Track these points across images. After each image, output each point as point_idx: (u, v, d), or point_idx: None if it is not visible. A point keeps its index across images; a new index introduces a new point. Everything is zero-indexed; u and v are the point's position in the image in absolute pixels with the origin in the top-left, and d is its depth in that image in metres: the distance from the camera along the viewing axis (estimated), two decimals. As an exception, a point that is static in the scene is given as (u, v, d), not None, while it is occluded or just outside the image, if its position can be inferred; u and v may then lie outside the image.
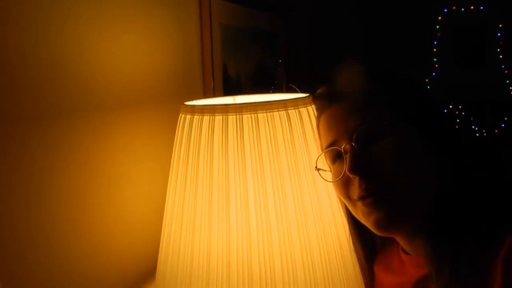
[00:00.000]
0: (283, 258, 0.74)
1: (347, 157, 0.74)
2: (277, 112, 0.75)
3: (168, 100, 1.08)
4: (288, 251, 0.74)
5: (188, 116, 0.79)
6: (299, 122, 0.78)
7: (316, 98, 0.84)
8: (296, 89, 0.90)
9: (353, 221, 0.84)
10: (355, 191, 0.74)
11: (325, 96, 0.81)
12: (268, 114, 0.75)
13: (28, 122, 0.75)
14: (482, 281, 0.65)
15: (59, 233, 0.82)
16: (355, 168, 0.72)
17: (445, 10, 2.89)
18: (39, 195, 0.77)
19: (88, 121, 0.88)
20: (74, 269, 0.85)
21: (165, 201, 0.85)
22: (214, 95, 1.23)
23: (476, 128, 2.71)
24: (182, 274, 0.77)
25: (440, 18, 2.89)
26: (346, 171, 0.73)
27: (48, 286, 0.79)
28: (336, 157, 0.79)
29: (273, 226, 0.74)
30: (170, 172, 0.84)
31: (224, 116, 0.74)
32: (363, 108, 0.75)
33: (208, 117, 0.75)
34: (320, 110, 0.82)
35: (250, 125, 0.74)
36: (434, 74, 2.90)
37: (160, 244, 0.85)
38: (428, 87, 2.82)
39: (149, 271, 1.00)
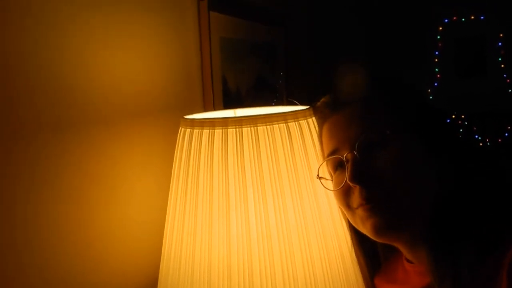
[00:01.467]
0: (284, 270, 0.73)
1: (349, 166, 0.74)
2: (277, 125, 0.75)
3: (168, 114, 1.08)
4: (290, 264, 0.74)
5: (188, 130, 0.79)
6: (299, 135, 0.77)
7: (319, 107, 0.84)
8: (296, 103, 0.90)
9: (355, 232, 0.84)
10: (356, 200, 0.74)
11: (328, 105, 0.82)
12: (268, 127, 0.74)
13: (28, 134, 0.76)
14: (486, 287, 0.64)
15: (60, 245, 0.81)
16: (356, 177, 0.72)
17: (446, 21, 2.90)
18: (38, 208, 0.77)
19: (88, 133, 0.88)
20: (74, 279, 0.84)
21: (165, 214, 0.85)
22: (214, 108, 1.23)
23: (480, 138, 2.70)
24: (183, 286, 0.77)
25: (441, 28, 2.91)
26: (347, 180, 0.73)
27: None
28: (337, 165, 0.79)
29: (274, 240, 0.73)
30: (170, 186, 0.84)
31: (223, 130, 0.74)
32: (364, 117, 0.75)
33: (208, 130, 0.75)
34: (322, 119, 0.83)
35: (250, 138, 0.74)
36: (436, 84, 2.90)
37: (161, 256, 0.84)
38: (431, 97, 2.82)
39: (151, 282, 0.99)
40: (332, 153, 0.78)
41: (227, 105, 1.31)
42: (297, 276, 0.74)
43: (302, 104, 0.91)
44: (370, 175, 0.72)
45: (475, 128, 2.71)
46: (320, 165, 0.80)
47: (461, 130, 2.73)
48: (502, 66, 2.79)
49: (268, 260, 0.73)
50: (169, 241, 0.82)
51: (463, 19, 2.87)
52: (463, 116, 2.75)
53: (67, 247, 0.83)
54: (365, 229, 0.75)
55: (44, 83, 0.79)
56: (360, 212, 0.74)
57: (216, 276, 0.74)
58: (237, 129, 0.74)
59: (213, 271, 0.74)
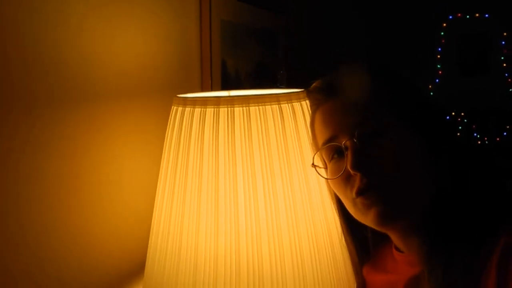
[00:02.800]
0: (271, 255, 0.72)
1: (349, 154, 0.73)
2: (269, 106, 0.74)
3: (164, 94, 1.06)
4: (278, 248, 0.73)
5: (180, 108, 0.78)
6: (292, 117, 0.76)
7: (311, 92, 0.82)
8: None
9: (345, 218, 0.83)
10: (355, 187, 0.73)
11: (321, 90, 0.80)
12: (260, 107, 0.73)
13: (19, 110, 0.74)
14: (475, 281, 0.64)
15: (45, 226, 0.80)
16: (357, 164, 0.72)
17: (450, 17, 2.89)
18: (26, 185, 0.76)
19: (82, 111, 0.86)
20: (60, 265, 0.83)
21: (155, 194, 0.84)
22: (212, 90, 1.22)
23: (478, 136, 2.69)
24: (169, 270, 0.76)
25: (445, 25, 2.89)
26: (348, 168, 0.72)
27: (33, 281, 0.78)
28: (334, 153, 0.78)
29: (263, 222, 0.73)
30: (161, 164, 0.83)
31: (215, 109, 0.73)
32: (364, 105, 0.74)
33: (200, 109, 0.74)
34: (316, 105, 0.81)
35: (242, 118, 0.73)
36: (437, 80, 2.89)
37: (150, 237, 0.84)
38: (432, 93, 2.81)
39: (138, 267, 0.99)
40: (329, 140, 0.77)
41: (225, 89, 1.30)
42: (284, 261, 0.73)
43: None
44: (370, 163, 0.72)
45: (474, 126, 2.71)
46: (315, 153, 0.79)
47: (460, 127, 2.72)
48: (504, 65, 2.77)
49: (256, 244, 0.72)
50: (157, 220, 0.81)
51: (468, 16, 2.85)
52: (462, 114, 2.75)
53: (54, 227, 0.82)
54: (367, 219, 0.74)
55: (39, 57, 0.77)
56: (361, 200, 0.73)
57: (202, 258, 0.73)
58: (229, 109, 0.73)
59: (200, 251, 0.73)
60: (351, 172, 0.73)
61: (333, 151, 0.78)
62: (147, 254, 0.84)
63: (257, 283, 0.71)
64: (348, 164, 0.73)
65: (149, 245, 0.83)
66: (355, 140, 0.72)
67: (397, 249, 0.81)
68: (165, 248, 0.78)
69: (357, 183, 0.73)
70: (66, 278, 0.84)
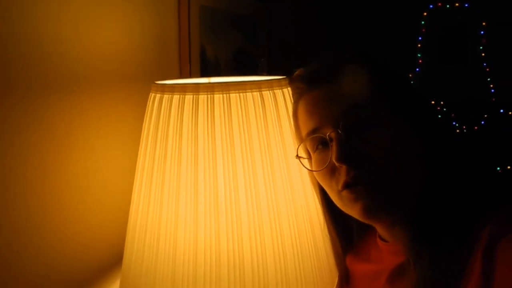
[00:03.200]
0: (252, 244, 0.71)
1: (334, 145, 0.71)
2: (250, 93, 0.72)
3: (142, 81, 1.04)
4: (259, 238, 0.71)
5: (158, 95, 0.76)
6: (273, 105, 0.75)
7: (293, 81, 0.80)
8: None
9: (328, 209, 0.82)
10: (341, 180, 0.71)
11: (304, 79, 0.78)
12: (241, 94, 0.71)
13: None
14: (460, 270, 0.64)
15: (21, 218, 0.78)
16: (342, 156, 0.69)
17: (431, 6, 2.90)
18: (0, 176, 0.73)
19: (60, 99, 0.84)
20: (37, 257, 0.81)
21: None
22: (191, 77, 1.20)
23: (457, 125, 2.72)
24: (147, 261, 0.74)
25: (425, 14, 2.90)
26: (333, 160, 0.70)
27: (12, 275, 0.76)
28: (318, 144, 0.76)
29: (243, 212, 0.71)
30: (138, 153, 0.81)
31: (194, 96, 0.71)
32: (349, 95, 0.72)
33: (178, 96, 0.72)
34: (298, 94, 0.79)
35: (222, 105, 0.71)
36: (417, 70, 2.91)
37: (127, 226, 0.82)
38: (412, 82, 2.82)
39: (117, 258, 0.97)
40: (313, 131, 0.75)
41: (204, 76, 1.27)
42: (265, 251, 0.72)
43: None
44: (356, 155, 0.69)
45: (453, 115, 2.73)
46: (299, 145, 0.77)
47: (439, 116, 2.75)
48: (483, 55, 2.80)
49: (236, 233, 0.71)
50: (135, 210, 0.79)
51: (448, 6, 2.87)
52: (442, 103, 2.77)
53: (31, 219, 0.79)
54: (353, 211, 0.72)
55: (17, 45, 0.75)
56: (347, 194, 0.72)
57: (181, 248, 0.71)
58: (209, 96, 0.71)
59: (179, 242, 0.71)
60: (336, 164, 0.71)
61: (317, 142, 0.76)
62: (125, 246, 0.81)
63: (237, 271, 0.70)
64: (333, 156, 0.71)
65: (126, 236, 0.81)
66: (339, 132, 0.71)
67: (381, 238, 0.81)
68: (143, 239, 0.76)
69: (343, 176, 0.71)
70: (44, 270, 0.82)
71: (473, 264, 0.62)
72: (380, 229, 0.80)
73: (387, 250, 0.79)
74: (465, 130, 2.69)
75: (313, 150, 0.77)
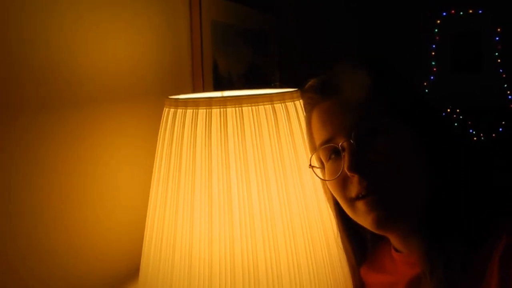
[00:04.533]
0: (267, 256, 0.71)
1: (346, 155, 0.71)
2: (262, 106, 0.73)
3: (155, 96, 1.05)
4: (273, 251, 0.72)
5: (172, 110, 0.77)
6: (286, 117, 0.75)
7: (306, 91, 0.80)
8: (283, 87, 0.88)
9: (342, 219, 0.82)
10: (354, 190, 0.72)
11: (316, 89, 0.79)
12: (253, 107, 0.72)
13: (11, 114, 0.73)
14: (476, 280, 0.63)
15: (39, 227, 0.79)
16: (355, 166, 0.70)
17: (444, 14, 2.88)
18: (19, 188, 0.75)
19: (75, 114, 0.85)
20: (52, 268, 0.82)
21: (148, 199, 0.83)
22: (204, 92, 1.21)
23: (474, 132, 2.69)
24: (163, 275, 0.75)
25: (438, 22, 2.89)
26: (345, 170, 0.71)
27: (28, 282, 0.77)
28: (331, 154, 0.76)
29: (257, 224, 0.72)
30: (153, 167, 0.82)
31: (207, 110, 0.72)
32: (361, 104, 0.73)
33: (192, 110, 0.73)
34: (311, 105, 0.79)
35: (234, 118, 0.72)
36: (432, 78, 2.89)
37: (143, 243, 0.83)
38: (426, 90, 2.81)
39: (133, 270, 0.98)
40: (327, 141, 0.75)
41: (217, 90, 1.29)
42: (280, 263, 0.72)
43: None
44: (368, 164, 0.70)
45: (469, 123, 2.70)
46: (312, 154, 0.77)
47: (456, 124, 2.72)
48: (499, 61, 2.77)
49: (251, 246, 0.71)
50: (151, 224, 0.80)
51: (461, 13, 2.85)
52: (458, 111, 2.74)
53: (47, 231, 0.80)
54: (366, 222, 0.73)
55: (30, 61, 0.76)
56: (360, 205, 0.72)
57: (197, 263, 0.72)
58: (221, 109, 0.72)
59: (194, 256, 0.72)
60: (349, 174, 0.71)
61: (330, 151, 0.76)
62: (141, 259, 0.82)
63: (252, 283, 0.70)
64: (345, 165, 0.71)
65: (143, 250, 0.82)
66: (351, 141, 0.71)
67: (396, 249, 0.80)
68: (159, 253, 0.76)
69: (355, 186, 0.71)
70: (58, 281, 0.83)
71: (491, 274, 0.61)
72: (394, 240, 0.79)
73: (402, 261, 0.79)
74: (482, 138, 2.66)
75: (326, 160, 0.77)
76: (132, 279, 0.99)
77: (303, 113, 0.81)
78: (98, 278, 0.93)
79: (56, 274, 0.83)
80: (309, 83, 0.80)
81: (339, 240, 0.83)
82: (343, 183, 0.74)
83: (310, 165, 0.76)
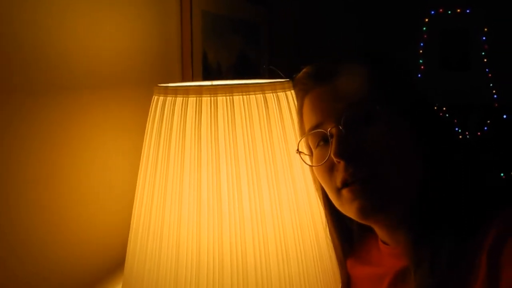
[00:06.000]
0: (256, 246, 0.70)
1: (333, 141, 0.71)
2: (253, 95, 0.72)
3: (144, 85, 1.04)
4: (262, 240, 0.71)
5: (161, 98, 0.76)
6: (277, 107, 0.74)
7: (300, 78, 0.80)
8: (280, 72, 0.87)
9: (330, 209, 0.82)
10: (339, 177, 0.71)
11: (310, 76, 0.79)
12: (244, 96, 0.71)
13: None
14: (463, 274, 0.63)
15: (23, 221, 0.77)
16: (341, 152, 0.70)
17: (432, 12, 2.90)
18: (2, 178, 0.73)
19: (63, 102, 0.84)
20: (38, 261, 0.80)
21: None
22: (193, 81, 1.20)
23: (460, 130, 2.71)
24: (150, 265, 0.74)
25: (427, 20, 2.90)
26: (332, 155, 0.71)
27: (12, 277, 0.75)
28: (320, 140, 0.76)
29: (247, 214, 0.71)
30: (141, 155, 0.81)
31: (198, 98, 0.71)
32: (352, 92, 0.72)
33: (181, 98, 0.72)
34: (304, 91, 0.79)
35: (225, 107, 0.71)
36: (419, 75, 2.90)
37: (129, 233, 0.81)
38: (414, 82, 2.82)
39: (118, 263, 0.97)
40: (316, 127, 0.75)
41: (206, 80, 1.28)
42: (269, 252, 0.71)
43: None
44: (355, 151, 0.70)
45: (455, 121, 2.73)
46: (301, 139, 0.77)
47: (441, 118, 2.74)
48: (485, 60, 2.80)
49: (240, 236, 0.70)
50: (138, 214, 0.79)
51: (449, 12, 2.87)
52: (444, 109, 2.76)
53: (32, 222, 0.79)
54: (350, 211, 0.73)
55: (19, 48, 0.75)
56: (345, 193, 0.72)
57: (184, 252, 0.71)
58: (212, 98, 0.70)
59: (182, 245, 0.71)
60: (335, 160, 0.71)
61: (319, 137, 0.76)
62: (127, 250, 0.81)
63: (240, 274, 0.69)
64: (331, 151, 0.71)
65: (129, 240, 0.81)
66: (340, 127, 0.71)
67: (383, 241, 0.80)
68: (145, 243, 0.75)
69: (340, 172, 0.71)
70: (45, 273, 0.82)
71: (478, 265, 0.61)
72: (380, 231, 0.79)
73: (388, 253, 0.79)
74: (467, 136, 2.69)
75: (315, 146, 0.77)
76: (117, 272, 0.98)
77: (294, 103, 0.80)
78: (85, 267, 0.91)
79: (42, 266, 0.81)
80: (304, 69, 0.80)
81: (327, 230, 0.82)
82: (329, 170, 0.74)
83: (297, 150, 0.76)
